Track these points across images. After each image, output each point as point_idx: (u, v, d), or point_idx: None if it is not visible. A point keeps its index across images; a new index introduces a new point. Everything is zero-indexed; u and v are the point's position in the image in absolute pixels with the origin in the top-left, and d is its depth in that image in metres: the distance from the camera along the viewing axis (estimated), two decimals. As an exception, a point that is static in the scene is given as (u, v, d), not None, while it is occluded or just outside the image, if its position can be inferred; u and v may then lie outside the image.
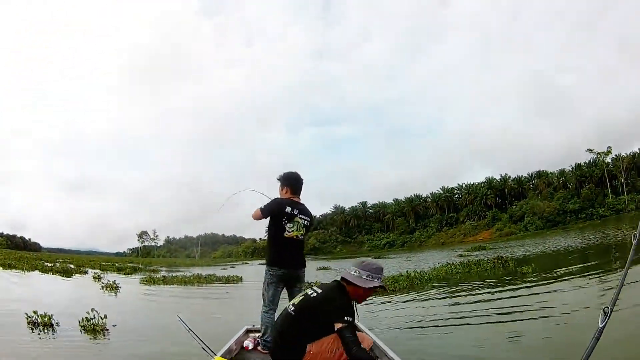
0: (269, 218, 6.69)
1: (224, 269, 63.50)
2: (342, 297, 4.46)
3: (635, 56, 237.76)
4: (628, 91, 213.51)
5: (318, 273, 41.46)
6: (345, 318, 4.25)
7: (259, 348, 6.51)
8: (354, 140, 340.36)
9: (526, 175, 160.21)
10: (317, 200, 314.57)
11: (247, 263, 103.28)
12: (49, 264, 51.99)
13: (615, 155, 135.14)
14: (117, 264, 68.08)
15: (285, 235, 6.56)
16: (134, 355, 9.05)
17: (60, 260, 68.17)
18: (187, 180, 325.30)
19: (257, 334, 6.95)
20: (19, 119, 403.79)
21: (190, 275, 36.23)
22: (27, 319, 11.92)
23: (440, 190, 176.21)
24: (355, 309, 4.54)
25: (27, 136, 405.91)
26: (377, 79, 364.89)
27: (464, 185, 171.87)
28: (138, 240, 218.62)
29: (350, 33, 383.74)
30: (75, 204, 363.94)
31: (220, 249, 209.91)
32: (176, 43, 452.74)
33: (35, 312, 11.94)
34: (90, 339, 10.70)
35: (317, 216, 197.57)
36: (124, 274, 45.73)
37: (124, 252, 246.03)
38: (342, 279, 4.65)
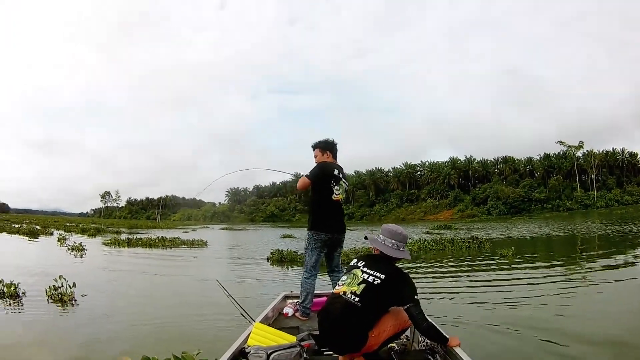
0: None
1: (186, 232, 64.09)
2: (405, 277, 4.31)
3: (618, 57, 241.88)
4: (608, 91, 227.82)
5: (282, 240, 43.08)
6: (415, 297, 4.16)
7: (298, 315, 6.48)
8: (316, 112, 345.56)
9: (492, 160, 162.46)
10: (277, 168, 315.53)
11: (208, 227, 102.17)
12: (16, 226, 54.32)
13: (587, 150, 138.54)
14: (81, 225, 69.62)
15: (333, 198, 6.58)
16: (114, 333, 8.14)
17: (27, 222, 72.31)
18: (149, 142, 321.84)
19: (295, 300, 6.90)
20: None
21: (154, 238, 36.02)
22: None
23: (402, 165, 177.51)
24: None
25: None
26: (345, 52, 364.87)
27: (427, 163, 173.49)
28: (101, 200, 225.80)
29: (323, 2, 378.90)
30: (42, 164, 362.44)
31: (179, 211, 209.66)
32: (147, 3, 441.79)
33: (1, 281, 11.38)
34: (60, 311, 9.94)
35: (278, 183, 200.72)
36: (88, 235, 45.93)
37: (87, 212, 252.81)
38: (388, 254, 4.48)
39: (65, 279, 10.89)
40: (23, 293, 11.24)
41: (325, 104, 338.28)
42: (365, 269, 4.35)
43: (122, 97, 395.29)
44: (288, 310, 6.62)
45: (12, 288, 11.10)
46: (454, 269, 17.37)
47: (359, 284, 4.27)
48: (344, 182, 6.72)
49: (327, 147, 6.83)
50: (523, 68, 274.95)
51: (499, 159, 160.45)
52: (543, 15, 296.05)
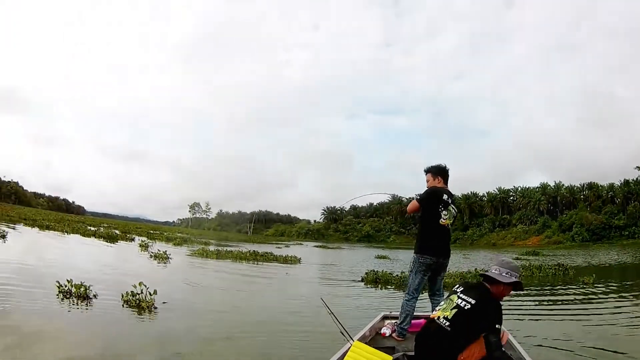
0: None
1: (279, 247, 62.15)
2: (493, 305, 4.43)
3: None
4: None
5: (377, 261, 42.00)
6: (497, 326, 4.28)
7: (394, 335, 6.53)
8: (412, 133, 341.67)
9: (578, 185, 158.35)
10: (373, 189, 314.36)
11: (301, 244, 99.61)
12: (92, 228, 50.51)
13: None
14: (166, 233, 67.16)
15: (440, 222, 6.65)
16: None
17: (105, 225, 67.89)
18: (244, 157, 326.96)
19: (393, 321, 6.96)
20: (76, 84, 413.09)
21: (245, 252, 34.72)
22: (58, 287, 10.89)
23: (496, 190, 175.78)
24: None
25: (82, 102, 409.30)
26: (441, 74, 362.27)
27: (519, 189, 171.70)
28: (189, 211, 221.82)
29: (419, 26, 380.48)
30: (125, 173, 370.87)
31: (273, 227, 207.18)
32: (244, 20, 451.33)
33: (69, 281, 10.89)
34: (136, 317, 9.67)
35: (375, 204, 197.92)
36: (173, 244, 44.23)
37: (173, 221, 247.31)
38: (485, 278, 4.70)
39: (145, 286, 10.40)
40: (94, 295, 10.83)
41: (422, 125, 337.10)
42: (461, 295, 4.55)
43: (217, 112, 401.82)
44: (386, 330, 6.68)
45: (82, 289, 10.71)
46: (539, 296, 17.33)
47: (451, 309, 4.47)
48: (452, 208, 6.84)
49: (438, 172, 6.99)
50: (603, 90, 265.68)
51: (585, 185, 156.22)
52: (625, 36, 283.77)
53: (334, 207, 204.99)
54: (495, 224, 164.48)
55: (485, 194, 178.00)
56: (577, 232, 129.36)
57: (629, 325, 10.81)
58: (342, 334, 5.50)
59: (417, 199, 6.79)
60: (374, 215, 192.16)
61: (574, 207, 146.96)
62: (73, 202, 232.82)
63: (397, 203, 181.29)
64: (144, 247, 32.29)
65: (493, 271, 4.65)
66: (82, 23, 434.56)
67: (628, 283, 23.13)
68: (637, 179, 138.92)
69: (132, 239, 42.51)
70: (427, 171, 7.06)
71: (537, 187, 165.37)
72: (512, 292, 4.78)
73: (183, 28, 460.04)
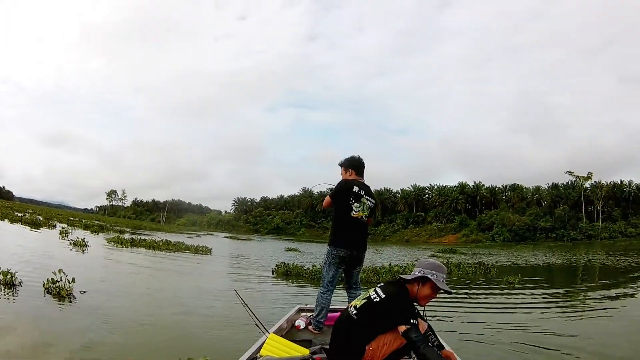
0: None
1: (190, 237, 63.87)
2: (405, 300, 4.43)
3: (634, 90, 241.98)
4: (623, 122, 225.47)
5: (287, 254, 43.13)
6: (411, 321, 4.23)
7: (311, 328, 6.60)
8: (331, 128, 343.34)
9: (500, 187, 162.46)
10: (285, 181, 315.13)
11: (212, 234, 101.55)
12: (19, 214, 55.21)
13: (595, 182, 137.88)
14: (84, 221, 69.34)
15: (352, 215, 6.62)
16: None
17: (30, 211, 72.55)
18: (162, 145, 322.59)
19: (309, 314, 7.06)
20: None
21: (158, 241, 36.03)
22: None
23: (411, 187, 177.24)
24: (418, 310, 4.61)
25: (7, 83, 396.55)
26: (366, 71, 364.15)
27: (435, 187, 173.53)
28: (107, 198, 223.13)
29: (346, 22, 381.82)
30: (51, 157, 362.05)
31: (185, 216, 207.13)
32: (175, 6, 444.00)
33: None
34: (57, 305, 9.86)
35: (285, 196, 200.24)
36: (91, 231, 46.05)
37: (92, 209, 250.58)
38: (404, 280, 4.60)
39: (64, 273, 10.59)
40: (19, 283, 11.04)
41: (342, 121, 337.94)
42: (377, 288, 4.57)
43: (138, 99, 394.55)
44: (300, 322, 6.75)
45: (9, 276, 10.89)
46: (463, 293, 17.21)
47: (362, 299, 4.56)
48: (367, 200, 6.75)
49: (350, 164, 6.96)
50: (539, 96, 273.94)
51: (507, 187, 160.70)
52: (568, 44, 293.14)
53: (245, 198, 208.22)
54: (409, 221, 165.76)
55: (400, 191, 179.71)
56: (497, 232, 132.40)
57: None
58: (258, 326, 5.60)
59: (329, 194, 6.86)
60: (284, 208, 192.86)
61: (495, 208, 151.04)
62: (3, 187, 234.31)
63: (307, 196, 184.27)
64: (64, 234, 32.70)
65: (431, 277, 4.49)
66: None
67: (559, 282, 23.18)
68: (567, 183, 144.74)
69: (54, 226, 44.01)
70: (340, 165, 7.10)
71: (455, 186, 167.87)
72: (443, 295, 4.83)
73: (113, 14, 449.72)
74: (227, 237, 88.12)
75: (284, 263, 22.68)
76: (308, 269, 20.86)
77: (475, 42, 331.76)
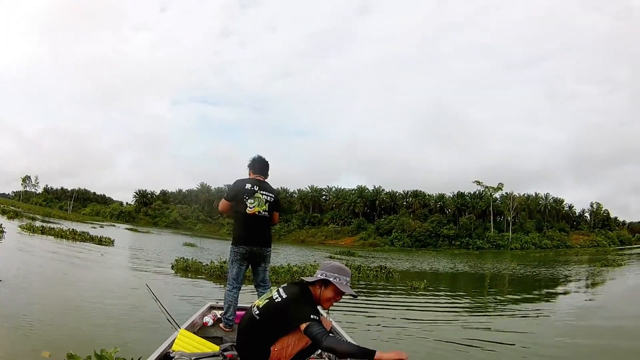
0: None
1: (94, 227, 64.01)
2: (307, 301, 4.43)
3: (556, 106, 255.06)
4: (541, 137, 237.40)
5: (185, 248, 43.94)
6: (311, 317, 4.20)
7: (221, 325, 6.68)
8: (233, 126, 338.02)
9: (401, 192, 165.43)
10: (185, 176, 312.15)
11: (114, 225, 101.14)
12: None
13: (506, 192, 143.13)
14: (2, 206, 74.75)
15: (247, 211, 6.74)
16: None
17: None
18: (74, 131, 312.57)
19: (218, 311, 7.20)
20: None
21: (66, 230, 37.92)
22: None
23: (308, 188, 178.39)
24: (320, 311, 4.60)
25: None
26: (271, 72, 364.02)
27: (333, 189, 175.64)
28: (21, 184, 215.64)
29: (260, 20, 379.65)
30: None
31: (89, 206, 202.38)
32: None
33: None
34: None
35: (184, 190, 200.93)
36: (7, 217, 49.69)
37: (9, 194, 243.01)
38: (306, 282, 4.62)
39: None
40: None
41: (244, 119, 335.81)
42: (280, 289, 4.61)
43: (58, 85, 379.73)
44: (208, 319, 6.83)
45: None
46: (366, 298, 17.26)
47: (265, 299, 4.59)
48: (262, 194, 6.88)
49: (251, 164, 7.15)
50: (454, 106, 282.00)
51: (409, 192, 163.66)
52: (491, 57, 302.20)
53: (145, 190, 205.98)
54: (305, 221, 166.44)
55: (297, 191, 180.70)
56: (397, 236, 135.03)
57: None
58: (169, 321, 5.65)
59: (224, 196, 7.10)
60: (182, 202, 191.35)
61: (395, 213, 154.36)
62: None
63: (205, 191, 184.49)
64: None
65: (332, 279, 4.51)
66: None
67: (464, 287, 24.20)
68: (474, 192, 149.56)
69: None
70: (248, 167, 7.22)
71: (354, 189, 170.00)
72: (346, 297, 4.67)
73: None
74: (127, 229, 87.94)
75: (183, 258, 22.77)
76: (206, 265, 21.10)
77: (388, 50, 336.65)
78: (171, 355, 4.67)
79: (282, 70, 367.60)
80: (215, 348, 5.05)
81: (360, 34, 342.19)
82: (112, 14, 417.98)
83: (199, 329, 6.47)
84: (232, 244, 6.88)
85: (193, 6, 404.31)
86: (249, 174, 7.08)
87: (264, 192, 6.90)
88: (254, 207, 6.74)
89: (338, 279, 4.45)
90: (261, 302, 4.61)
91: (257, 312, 4.49)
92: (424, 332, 10.53)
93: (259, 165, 7.11)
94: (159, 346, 4.94)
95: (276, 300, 4.44)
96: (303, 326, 4.14)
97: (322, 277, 4.47)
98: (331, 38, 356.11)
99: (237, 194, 6.81)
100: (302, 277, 4.75)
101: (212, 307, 7.63)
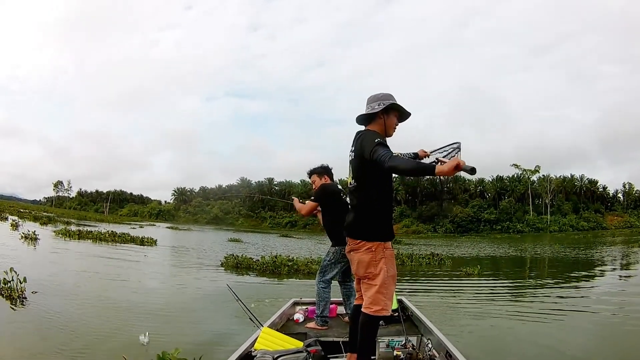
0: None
1: (133, 228, 62.96)
2: (372, 136, 4.42)
3: (585, 87, 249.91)
4: (572, 117, 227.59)
5: (231, 244, 43.32)
6: (376, 140, 4.25)
7: (313, 324, 6.59)
8: (267, 118, 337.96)
9: (441, 178, 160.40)
10: (223, 172, 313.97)
11: (154, 224, 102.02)
12: None
13: (543, 175, 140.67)
14: (33, 212, 74.12)
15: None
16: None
17: None
18: (103, 134, 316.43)
19: (305, 307, 7.28)
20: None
21: (104, 232, 36.38)
22: None
23: (346, 178, 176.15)
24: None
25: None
26: (304, 62, 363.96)
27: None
28: (53, 189, 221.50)
29: (288, 12, 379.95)
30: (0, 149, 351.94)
31: (126, 207, 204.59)
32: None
33: None
34: (8, 304, 9.50)
35: (224, 186, 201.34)
36: (40, 223, 48.19)
37: (40, 200, 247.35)
38: (366, 127, 4.77)
39: (15, 272, 10.08)
40: None
41: (277, 111, 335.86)
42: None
43: (83, 90, 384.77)
44: (299, 316, 6.89)
45: None
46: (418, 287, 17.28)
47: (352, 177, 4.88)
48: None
49: (324, 171, 7.37)
50: (485, 89, 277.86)
51: (449, 178, 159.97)
52: (516, 40, 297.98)
53: (184, 188, 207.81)
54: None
55: (338, 181, 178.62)
56: (439, 223, 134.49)
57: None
58: (252, 320, 5.60)
59: (311, 199, 7.22)
60: (222, 198, 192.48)
61: (436, 199, 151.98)
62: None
63: (246, 186, 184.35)
64: (14, 226, 34.66)
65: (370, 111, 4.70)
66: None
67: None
68: (512, 176, 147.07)
69: (6, 218, 46.35)
70: (312, 173, 7.43)
71: (395, 177, 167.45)
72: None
73: (58, 5, 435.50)
74: (168, 228, 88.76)
75: (233, 255, 22.49)
76: (257, 260, 20.68)
77: (417, 37, 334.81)
78: (253, 354, 4.70)
79: (316, 60, 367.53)
80: (299, 344, 5.08)
81: (388, 22, 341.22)
82: (136, 16, 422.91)
83: (282, 326, 6.49)
84: (337, 246, 6.85)
85: (218, 2, 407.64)
86: (322, 180, 7.30)
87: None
88: None
89: (394, 99, 4.72)
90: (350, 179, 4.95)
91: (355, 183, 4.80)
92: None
93: (332, 172, 7.50)
94: (240, 345, 4.98)
95: (350, 159, 4.78)
96: (370, 152, 4.22)
97: (380, 107, 4.60)
98: (360, 26, 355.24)
99: (332, 197, 7.08)
100: (359, 115, 4.86)
101: (296, 303, 7.66)
